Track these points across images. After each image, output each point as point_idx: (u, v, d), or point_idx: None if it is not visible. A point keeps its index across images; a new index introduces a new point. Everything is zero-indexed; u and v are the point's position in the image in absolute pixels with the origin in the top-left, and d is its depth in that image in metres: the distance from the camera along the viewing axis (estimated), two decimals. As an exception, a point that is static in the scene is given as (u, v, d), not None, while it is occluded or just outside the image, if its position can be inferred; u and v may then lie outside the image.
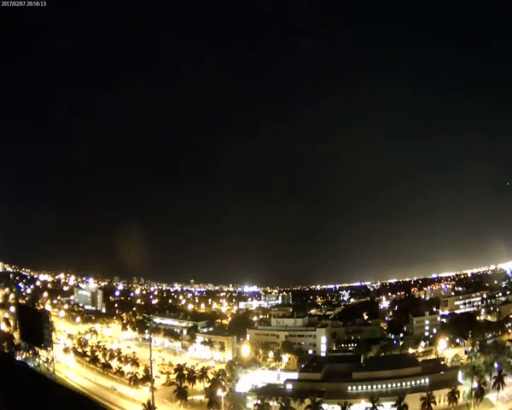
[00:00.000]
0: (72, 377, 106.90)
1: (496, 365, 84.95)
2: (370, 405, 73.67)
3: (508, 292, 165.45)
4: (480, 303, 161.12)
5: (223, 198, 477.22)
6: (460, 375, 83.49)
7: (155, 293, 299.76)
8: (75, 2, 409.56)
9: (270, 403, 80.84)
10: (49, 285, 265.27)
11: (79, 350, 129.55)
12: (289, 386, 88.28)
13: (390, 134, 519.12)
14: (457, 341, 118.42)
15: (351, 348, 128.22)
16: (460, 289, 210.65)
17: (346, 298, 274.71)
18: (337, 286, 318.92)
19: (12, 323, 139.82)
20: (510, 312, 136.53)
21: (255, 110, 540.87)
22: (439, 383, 79.16)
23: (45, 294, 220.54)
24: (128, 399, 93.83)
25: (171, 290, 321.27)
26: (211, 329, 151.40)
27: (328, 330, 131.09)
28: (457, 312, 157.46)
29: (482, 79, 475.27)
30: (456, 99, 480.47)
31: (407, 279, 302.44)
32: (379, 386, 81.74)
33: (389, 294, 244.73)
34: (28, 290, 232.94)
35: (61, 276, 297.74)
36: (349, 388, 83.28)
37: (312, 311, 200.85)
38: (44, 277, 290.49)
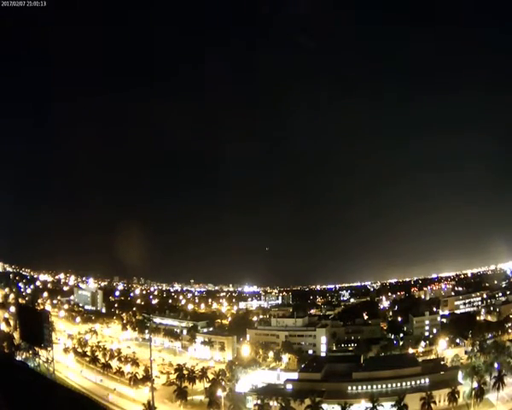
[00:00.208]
0: (72, 377, 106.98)
1: (496, 365, 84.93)
2: (370, 405, 73.67)
3: (508, 292, 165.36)
4: (480, 303, 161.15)
5: (223, 198, 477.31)
6: (460, 375, 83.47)
7: (155, 293, 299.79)
8: (75, 2, 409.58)
9: (270, 403, 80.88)
10: (49, 285, 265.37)
11: (79, 350, 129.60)
12: (289, 386, 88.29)
13: (390, 134, 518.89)
14: (457, 341, 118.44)
15: (351, 348, 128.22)
16: (460, 289, 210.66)
17: (346, 298, 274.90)
18: (337, 286, 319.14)
19: (12, 323, 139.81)
20: (510, 312, 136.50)
21: (255, 111, 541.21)
22: (439, 383, 79.15)
23: (45, 294, 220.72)
24: (128, 399, 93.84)
25: (171, 290, 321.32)
26: (211, 329, 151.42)
27: (328, 330, 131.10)
28: (457, 312, 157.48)
29: (482, 80, 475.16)
30: (455, 99, 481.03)
31: (407, 279, 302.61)
32: (379, 386, 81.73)
33: (389, 294, 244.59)
34: (28, 290, 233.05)
35: (61, 276, 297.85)
36: (349, 388, 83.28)
37: (312, 311, 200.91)
38: (44, 277, 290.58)
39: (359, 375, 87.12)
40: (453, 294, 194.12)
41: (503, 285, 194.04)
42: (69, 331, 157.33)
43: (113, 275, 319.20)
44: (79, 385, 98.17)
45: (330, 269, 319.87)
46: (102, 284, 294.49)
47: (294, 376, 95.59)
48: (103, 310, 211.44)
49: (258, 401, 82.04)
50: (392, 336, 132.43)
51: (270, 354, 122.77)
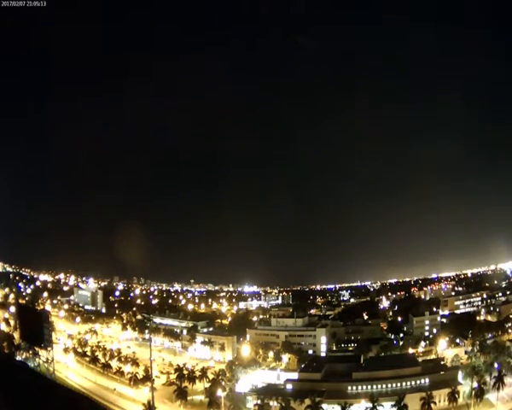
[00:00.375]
0: (72, 377, 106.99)
1: (496, 365, 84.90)
2: (370, 405, 73.64)
3: (508, 292, 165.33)
4: (480, 303, 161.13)
5: (223, 198, 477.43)
6: (460, 375, 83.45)
7: (155, 293, 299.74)
8: (75, 2, 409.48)
9: (270, 403, 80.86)
10: (49, 285, 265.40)
11: (79, 350, 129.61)
12: (289, 386, 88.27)
13: (390, 135, 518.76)
14: (457, 341, 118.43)
15: (351, 348, 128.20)
16: (460, 289, 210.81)
17: (346, 298, 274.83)
18: (337, 286, 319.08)
19: (12, 323, 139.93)
20: (510, 312, 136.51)
21: (255, 111, 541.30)
22: (439, 383, 79.14)
23: (45, 294, 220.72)
24: (128, 399, 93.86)
25: (171, 290, 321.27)
26: (211, 329, 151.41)
27: (328, 330, 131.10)
28: (457, 312, 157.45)
29: (483, 80, 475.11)
30: (455, 100, 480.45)
31: (407, 279, 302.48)
32: (379, 386, 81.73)
33: (389, 294, 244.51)
34: (28, 290, 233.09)
35: (61, 276, 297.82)
36: (349, 388, 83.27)
37: (312, 311, 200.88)
38: (44, 277, 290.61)
39: (359, 375, 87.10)
40: (453, 294, 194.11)
41: (503, 285, 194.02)
42: (69, 331, 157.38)
43: (113, 275, 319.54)
44: (79, 385, 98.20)
45: (330, 269, 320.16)
46: (102, 284, 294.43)
47: (294, 376, 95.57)
48: (103, 310, 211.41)
49: (258, 401, 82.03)
50: (392, 336, 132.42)
51: (270, 354, 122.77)
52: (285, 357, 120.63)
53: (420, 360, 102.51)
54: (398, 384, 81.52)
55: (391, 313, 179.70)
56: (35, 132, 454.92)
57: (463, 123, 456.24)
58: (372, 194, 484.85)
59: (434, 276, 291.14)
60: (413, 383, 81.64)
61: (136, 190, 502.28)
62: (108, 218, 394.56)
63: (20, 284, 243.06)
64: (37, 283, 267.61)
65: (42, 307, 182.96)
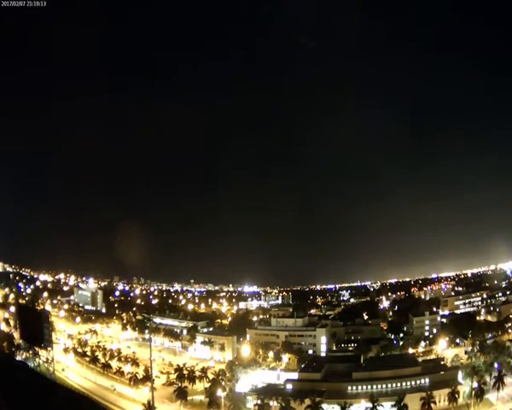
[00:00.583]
0: (72, 377, 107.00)
1: (496, 365, 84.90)
2: (370, 405, 73.63)
3: (508, 292, 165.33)
4: (480, 303, 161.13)
5: (223, 199, 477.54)
6: (460, 375, 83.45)
7: (155, 293, 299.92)
8: (75, 2, 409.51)
9: (270, 403, 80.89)
10: (49, 285, 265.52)
11: (79, 350, 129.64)
12: (289, 386, 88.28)
13: (390, 135, 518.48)
14: (457, 341, 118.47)
15: (351, 348, 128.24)
16: (460, 289, 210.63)
17: (346, 298, 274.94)
18: (337, 286, 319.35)
19: (12, 323, 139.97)
20: (510, 312, 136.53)
21: (255, 112, 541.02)
22: (439, 383, 79.16)
23: (45, 294, 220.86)
24: (128, 399, 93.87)
25: (171, 290, 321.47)
26: (211, 329, 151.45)
27: (328, 330, 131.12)
28: (457, 312, 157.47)
29: (484, 88, 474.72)
30: (455, 104, 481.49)
31: (407, 279, 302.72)
32: (379, 386, 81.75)
33: (389, 294, 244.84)
34: (28, 290, 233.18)
35: (61, 276, 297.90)
36: (349, 388, 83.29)
37: (312, 311, 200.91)
38: (44, 277, 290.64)
39: (359, 375, 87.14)
40: (453, 294, 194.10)
41: (503, 285, 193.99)
42: (69, 331, 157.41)
43: (113, 275, 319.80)
44: (79, 385, 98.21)
45: (330, 270, 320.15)
46: (102, 284, 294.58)
47: (294, 376, 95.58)
48: (103, 310, 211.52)
49: (258, 401, 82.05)
50: (392, 336, 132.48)
51: (270, 354, 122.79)
52: (285, 357, 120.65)
53: (420, 360, 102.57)
54: (398, 384, 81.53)
55: (391, 313, 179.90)
56: (35, 132, 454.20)
57: (463, 123, 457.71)
58: (372, 194, 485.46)
59: (434, 276, 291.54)
60: (413, 383, 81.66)
61: (136, 191, 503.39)
62: (108, 218, 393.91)
63: (20, 284, 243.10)
64: (37, 283, 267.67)
65: (42, 307, 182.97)
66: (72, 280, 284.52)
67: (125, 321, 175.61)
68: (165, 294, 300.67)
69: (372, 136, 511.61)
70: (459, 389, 76.76)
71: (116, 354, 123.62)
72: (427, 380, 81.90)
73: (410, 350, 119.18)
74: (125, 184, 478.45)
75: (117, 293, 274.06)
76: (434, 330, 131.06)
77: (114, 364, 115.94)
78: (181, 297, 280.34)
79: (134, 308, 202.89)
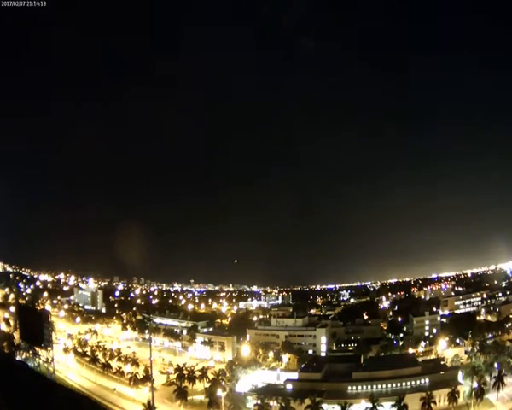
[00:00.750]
0: (72, 377, 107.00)
1: (496, 365, 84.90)
2: (370, 405, 73.69)
3: (508, 292, 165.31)
4: (480, 303, 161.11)
5: (223, 200, 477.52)
6: (460, 375, 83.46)
7: (155, 293, 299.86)
8: (75, 2, 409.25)
9: (270, 403, 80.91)
10: (49, 285, 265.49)
11: (79, 350, 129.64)
12: (289, 386, 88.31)
13: (390, 135, 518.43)
14: (457, 341, 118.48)
15: (351, 348, 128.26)
16: (460, 289, 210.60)
17: (346, 298, 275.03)
18: (337, 286, 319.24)
19: (12, 323, 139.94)
20: (510, 312, 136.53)
21: (255, 113, 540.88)
22: (439, 383, 79.18)
23: (45, 294, 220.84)
24: (128, 399, 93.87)
25: (171, 290, 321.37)
26: (211, 329, 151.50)
27: (328, 330, 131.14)
28: (457, 312, 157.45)
29: (485, 88, 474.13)
30: (455, 104, 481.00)
31: (407, 279, 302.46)
32: (379, 386, 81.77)
33: (389, 294, 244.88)
34: (28, 290, 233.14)
35: (61, 276, 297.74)
36: (349, 388, 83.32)
37: (312, 311, 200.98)
38: (44, 277, 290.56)
39: (359, 375, 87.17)
40: (453, 294, 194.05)
41: (503, 285, 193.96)
42: (69, 331, 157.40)
43: (113, 275, 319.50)
44: (79, 385, 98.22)
45: (330, 270, 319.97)
46: (102, 284, 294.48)
47: (294, 376, 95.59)
48: (103, 310, 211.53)
49: (258, 401, 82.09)
50: (392, 336, 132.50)
51: (270, 354, 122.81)
52: (285, 357, 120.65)
53: (420, 360, 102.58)
54: (398, 384, 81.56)
55: (391, 313, 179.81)
56: (35, 132, 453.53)
57: (463, 124, 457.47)
58: (372, 195, 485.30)
59: (434, 276, 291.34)
60: (413, 383, 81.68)
61: (137, 191, 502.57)
62: (108, 218, 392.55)
63: (20, 284, 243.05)
64: (37, 283, 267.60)
65: (42, 307, 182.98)
66: (72, 280, 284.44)
67: (125, 321, 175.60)
68: (165, 294, 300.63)
69: (372, 136, 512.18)
70: (459, 389, 76.78)
71: (116, 354, 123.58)
72: (427, 380, 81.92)
73: (410, 350, 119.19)
74: (124, 184, 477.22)
75: (117, 293, 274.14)
76: (434, 330, 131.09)
77: (114, 364, 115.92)
78: (181, 297, 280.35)
79: (134, 308, 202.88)
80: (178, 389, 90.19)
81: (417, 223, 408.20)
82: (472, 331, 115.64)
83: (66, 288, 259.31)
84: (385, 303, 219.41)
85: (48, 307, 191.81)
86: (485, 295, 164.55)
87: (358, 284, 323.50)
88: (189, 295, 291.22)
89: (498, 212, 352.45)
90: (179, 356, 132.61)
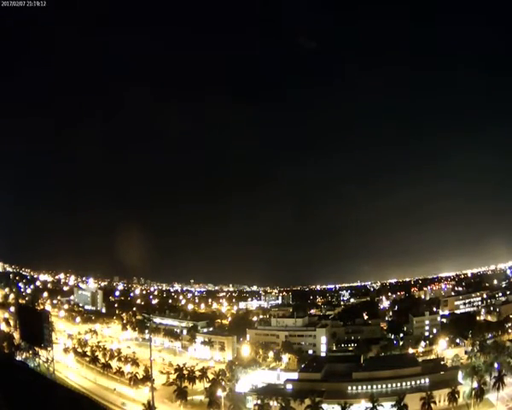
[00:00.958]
0: (72, 377, 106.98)
1: (496, 365, 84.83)
2: (370, 405, 73.61)
3: (508, 292, 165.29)
4: (480, 303, 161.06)
5: (223, 202, 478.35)
6: (460, 375, 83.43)
7: (155, 293, 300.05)
8: (75, 2, 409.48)
9: (270, 403, 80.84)
10: (49, 285, 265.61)
11: (79, 350, 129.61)
12: (289, 386, 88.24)
13: (389, 135, 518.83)
14: (457, 341, 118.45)
15: (351, 348, 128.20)
16: (460, 289, 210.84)
17: (346, 298, 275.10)
18: (337, 286, 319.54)
19: (12, 323, 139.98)
20: (510, 312, 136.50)
21: (255, 113, 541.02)
22: (439, 383, 79.12)
23: (45, 294, 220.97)
24: (128, 399, 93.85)
25: (171, 290, 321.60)
26: (211, 329, 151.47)
27: (328, 330, 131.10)
28: (457, 312, 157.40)
29: (484, 88, 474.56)
30: (455, 104, 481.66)
31: (407, 279, 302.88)
32: (379, 386, 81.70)
33: (389, 294, 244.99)
34: (28, 290, 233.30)
35: (61, 276, 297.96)
36: (349, 388, 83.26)
37: (312, 311, 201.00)
38: (44, 277, 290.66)
39: (359, 375, 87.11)
40: (453, 294, 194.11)
41: (503, 285, 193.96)
42: (69, 331, 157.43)
43: (113, 275, 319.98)
44: (79, 385, 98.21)
45: (330, 270, 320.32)
46: (102, 284, 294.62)
47: (294, 376, 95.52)
48: (103, 310, 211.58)
49: (258, 401, 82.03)
50: (392, 336, 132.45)
51: (270, 354, 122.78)
52: (285, 357, 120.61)
53: (420, 360, 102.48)
54: (398, 384, 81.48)
55: (391, 313, 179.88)
56: (35, 133, 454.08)
57: (463, 123, 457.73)
58: (372, 195, 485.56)
59: (434, 276, 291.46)
60: (413, 383, 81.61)
61: (137, 195, 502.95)
62: (109, 220, 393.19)
63: (20, 284, 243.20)
64: (37, 283, 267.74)
65: (42, 307, 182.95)
66: (72, 280, 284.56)
67: (125, 321, 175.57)
68: (165, 294, 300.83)
69: (372, 136, 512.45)
70: (459, 389, 76.72)
71: (116, 354, 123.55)
72: (427, 380, 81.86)
73: (410, 350, 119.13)
74: (125, 188, 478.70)
75: (117, 293, 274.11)
76: (434, 330, 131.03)
77: (114, 364, 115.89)
78: (181, 297, 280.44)
79: (134, 308, 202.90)
80: (178, 389, 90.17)
81: (417, 223, 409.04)
82: (472, 331, 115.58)
83: (66, 288, 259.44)
84: (385, 303, 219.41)
85: (48, 307, 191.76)
86: (485, 295, 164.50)
87: (358, 284, 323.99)
88: (189, 295, 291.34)
89: (498, 212, 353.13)
90: (179, 356, 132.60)
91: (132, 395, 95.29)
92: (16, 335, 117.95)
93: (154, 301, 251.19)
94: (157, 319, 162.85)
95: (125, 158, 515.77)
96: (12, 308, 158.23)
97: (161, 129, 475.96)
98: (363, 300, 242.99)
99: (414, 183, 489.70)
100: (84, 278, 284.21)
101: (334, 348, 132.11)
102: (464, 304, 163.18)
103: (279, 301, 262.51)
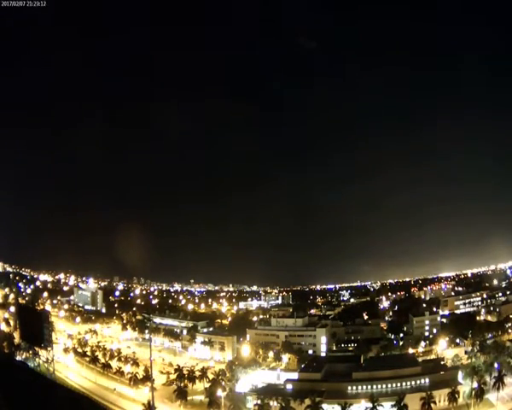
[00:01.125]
0: (72, 377, 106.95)
1: (496, 365, 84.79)
2: (370, 405, 73.58)
3: (508, 292, 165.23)
4: (480, 303, 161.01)
5: (223, 203, 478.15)
6: (460, 375, 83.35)
7: (155, 293, 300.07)
8: (75, 3, 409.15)
9: (270, 403, 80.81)
10: (49, 285, 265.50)
11: (79, 350, 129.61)
12: (289, 386, 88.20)
13: (390, 133, 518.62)
14: (457, 341, 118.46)
15: (351, 348, 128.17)
16: (460, 289, 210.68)
17: (346, 298, 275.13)
18: (337, 286, 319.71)
19: (12, 323, 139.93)
20: (510, 312, 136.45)
21: (255, 115, 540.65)
22: (439, 383, 79.07)
23: (45, 294, 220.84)
24: (128, 399, 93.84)
25: (171, 290, 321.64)
26: (211, 329, 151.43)
27: (328, 330, 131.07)
28: (457, 312, 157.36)
29: (484, 88, 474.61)
30: (455, 104, 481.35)
31: (407, 279, 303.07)
32: (379, 386, 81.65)
33: (389, 294, 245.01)
34: (28, 290, 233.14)
35: (61, 276, 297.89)
36: (349, 388, 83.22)
37: (312, 311, 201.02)
38: (44, 277, 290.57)
39: (359, 375, 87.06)
40: (453, 294, 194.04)
41: (503, 285, 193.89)
42: (69, 331, 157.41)
43: (113, 275, 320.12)
44: (79, 385, 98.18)
45: (330, 270, 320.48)
46: (102, 284, 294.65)
47: (294, 376, 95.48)
48: (103, 310, 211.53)
49: (258, 401, 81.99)
50: (392, 336, 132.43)
51: (270, 354, 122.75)
52: (285, 357, 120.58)
53: (420, 360, 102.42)
54: (398, 384, 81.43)
55: (391, 313, 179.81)
56: (35, 133, 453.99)
57: (463, 123, 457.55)
58: (372, 195, 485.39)
59: (434, 276, 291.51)
60: (413, 383, 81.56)
61: (137, 195, 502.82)
62: (109, 220, 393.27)
63: (20, 284, 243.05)
64: (37, 283, 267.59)
65: (42, 307, 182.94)
66: (72, 280, 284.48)
67: (125, 321, 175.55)
68: (165, 294, 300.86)
69: (372, 136, 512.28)
70: (459, 389, 76.66)
71: (116, 354, 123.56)
72: (427, 380, 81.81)
73: (410, 350, 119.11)
74: (125, 188, 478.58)
75: (117, 293, 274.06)
76: (434, 330, 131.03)
77: (114, 364, 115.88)
78: (181, 297, 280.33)
79: (134, 308, 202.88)
80: (178, 389, 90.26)
81: (417, 223, 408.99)
82: (472, 331, 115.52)
83: (66, 288, 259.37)
84: (385, 303, 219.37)
85: (48, 307, 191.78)
86: (485, 295, 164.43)
87: (358, 284, 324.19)
88: (189, 296, 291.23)
89: (498, 212, 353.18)
90: (179, 356, 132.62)
91: (132, 395, 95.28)
92: (16, 335, 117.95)
93: (154, 301, 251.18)
94: (157, 319, 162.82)
95: (125, 158, 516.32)
96: (12, 308, 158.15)
97: (161, 129, 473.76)
98: (363, 300, 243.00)
99: (414, 183, 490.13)
100: (84, 278, 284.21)
101: (334, 348, 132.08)
102: (464, 304, 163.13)
103: (279, 301, 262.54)
